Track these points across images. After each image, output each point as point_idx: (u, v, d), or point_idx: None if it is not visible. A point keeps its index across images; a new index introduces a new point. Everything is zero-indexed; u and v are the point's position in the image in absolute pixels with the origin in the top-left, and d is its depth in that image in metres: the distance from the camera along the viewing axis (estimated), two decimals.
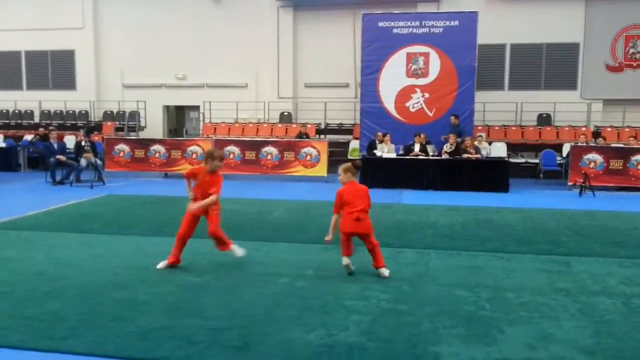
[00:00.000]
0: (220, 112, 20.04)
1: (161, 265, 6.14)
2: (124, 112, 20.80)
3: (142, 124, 20.84)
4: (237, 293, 5.33)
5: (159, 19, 20.80)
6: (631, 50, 18.70)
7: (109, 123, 20.27)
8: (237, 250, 6.36)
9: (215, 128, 19.66)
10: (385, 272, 5.87)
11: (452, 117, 15.22)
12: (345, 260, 5.89)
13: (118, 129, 20.08)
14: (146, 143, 15.91)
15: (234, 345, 4.11)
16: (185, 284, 5.58)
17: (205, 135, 18.96)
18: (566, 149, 15.44)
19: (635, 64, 18.71)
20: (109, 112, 21.11)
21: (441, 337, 4.30)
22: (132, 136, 19.11)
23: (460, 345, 4.16)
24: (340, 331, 4.39)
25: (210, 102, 20.09)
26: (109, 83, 21.62)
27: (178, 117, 23.03)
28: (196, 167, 6.15)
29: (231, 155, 15.33)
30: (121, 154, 15.74)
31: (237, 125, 19.84)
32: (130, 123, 20.43)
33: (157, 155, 15.56)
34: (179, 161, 15.50)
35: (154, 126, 21.14)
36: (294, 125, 19.25)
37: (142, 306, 4.91)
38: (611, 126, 18.04)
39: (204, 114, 20.42)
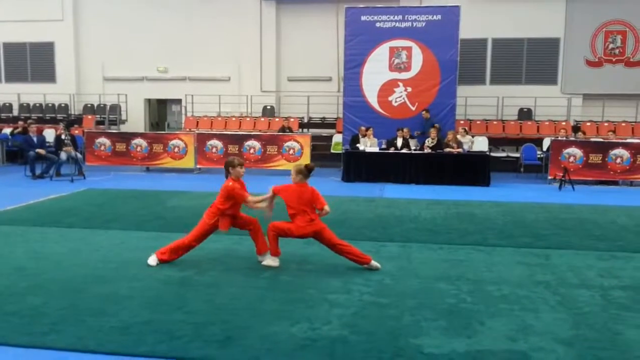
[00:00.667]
0: (202, 106, 19.92)
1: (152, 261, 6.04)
2: (105, 105, 20.57)
3: (123, 117, 20.63)
4: (220, 287, 5.32)
5: (140, 11, 20.57)
6: (610, 46, 18.91)
7: (90, 116, 20.04)
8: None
9: (197, 122, 19.55)
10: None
11: (424, 112, 15.27)
12: (276, 261, 6.04)
13: (99, 123, 19.84)
14: (127, 137, 15.75)
15: (217, 339, 4.12)
16: (168, 278, 5.56)
17: (187, 129, 18.84)
18: (546, 143, 15.57)
19: (614, 59, 18.94)
20: (89, 105, 20.85)
21: (422, 330, 4.34)
22: (113, 130, 18.92)
23: (442, 337, 4.20)
24: (323, 325, 4.41)
25: (192, 96, 19.96)
26: (90, 76, 21.35)
27: (160, 111, 22.84)
28: (230, 187, 6.04)
29: (214, 150, 15.26)
30: (102, 147, 15.57)
31: (219, 119, 19.73)
32: (111, 116, 20.20)
33: (138, 149, 15.42)
34: (160, 155, 15.38)
35: (135, 120, 20.94)
36: (277, 119, 19.20)
37: (123, 301, 4.89)
38: (591, 121, 18.24)
39: (186, 107, 20.29)
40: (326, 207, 5.92)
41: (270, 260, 6.03)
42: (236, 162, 6.19)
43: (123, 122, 20.53)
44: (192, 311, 4.67)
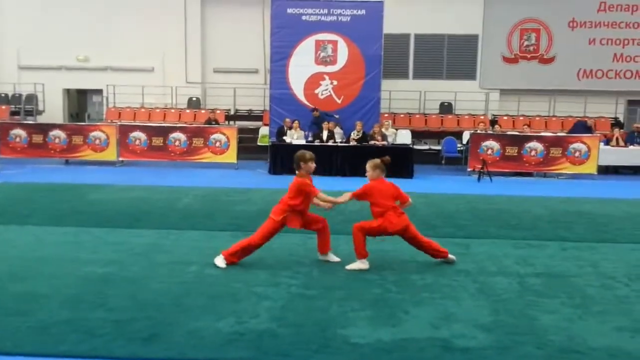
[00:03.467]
0: (125, 97, 19.34)
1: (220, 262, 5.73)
2: (20, 95, 19.63)
3: (41, 107, 19.78)
4: (144, 283, 5.20)
5: None
6: (525, 43, 19.77)
7: (4, 106, 19.07)
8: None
9: (119, 113, 18.98)
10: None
11: (314, 111, 15.35)
12: (365, 264, 5.79)
13: (13, 113, 18.94)
14: (45, 128, 15.10)
15: (141, 336, 4.03)
16: (88, 275, 5.38)
17: (109, 121, 18.25)
18: (466, 136, 16.13)
19: (529, 56, 19.81)
20: (3, 94, 19.82)
21: (349, 320, 4.41)
22: (30, 120, 18.07)
23: (368, 327, 4.28)
24: (250, 318, 4.40)
25: (114, 86, 19.34)
26: (4, 64, 20.28)
27: (80, 101, 22.01)
28: (301, 182, 5.69)
29: (137, 142, 14.87)
30: (17, 139, 14.86)
31: (143, 110, 19.23)
32: (27, 107, 19.34)
33: (57, 140, 14.81)
34: (80, 147, 14.83)
35: (54, 110, 20.08)
36: (203, 111, 18.93)
37: (41, 299, 4.69)
38: (507, 115, 19.03)
39: (107, 98, 19.63)
40: (410, 200, 5.92)
41: (359, 264, 5.76)
42: (308, 157, 5.79)
43: (40, 112, 19.67)
44: (115, 308, 4.54)
